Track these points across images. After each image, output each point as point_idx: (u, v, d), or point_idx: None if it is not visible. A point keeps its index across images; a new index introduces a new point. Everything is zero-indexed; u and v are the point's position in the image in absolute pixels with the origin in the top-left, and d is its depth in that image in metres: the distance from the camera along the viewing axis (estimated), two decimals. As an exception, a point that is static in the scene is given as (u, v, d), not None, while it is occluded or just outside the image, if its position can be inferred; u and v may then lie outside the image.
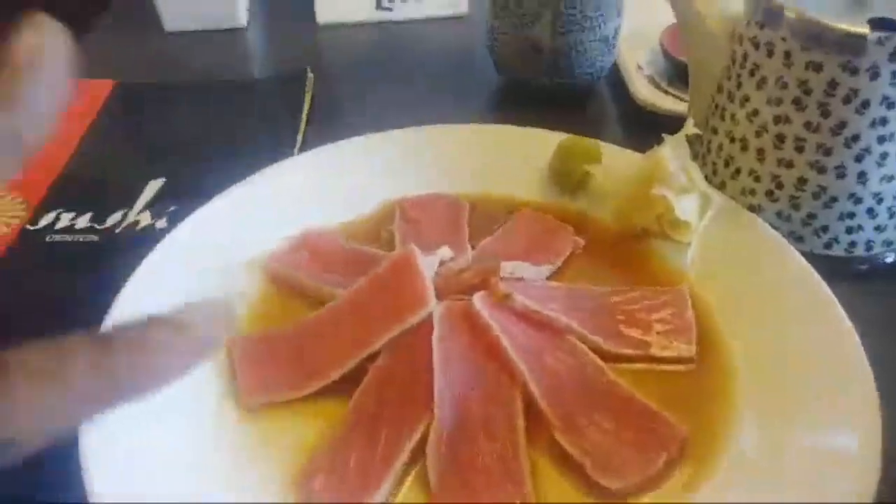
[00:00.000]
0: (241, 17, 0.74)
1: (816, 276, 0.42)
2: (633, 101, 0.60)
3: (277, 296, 0.45)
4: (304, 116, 0.60)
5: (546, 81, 0.61)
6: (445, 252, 0.42)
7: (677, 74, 0.61)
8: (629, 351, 0.40)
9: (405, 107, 0.62)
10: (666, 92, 0.60)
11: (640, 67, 0.63)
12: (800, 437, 0.35)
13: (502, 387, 0.37)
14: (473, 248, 0.46)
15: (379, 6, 0.76)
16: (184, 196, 0.51)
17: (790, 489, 0.33)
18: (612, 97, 0.64)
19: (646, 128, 0.50)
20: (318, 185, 0.50)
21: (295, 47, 0.73)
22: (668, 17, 0.59)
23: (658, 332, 0.41)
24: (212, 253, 0.45)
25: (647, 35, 0.65)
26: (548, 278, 0.45)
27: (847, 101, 0.42)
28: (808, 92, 0.43)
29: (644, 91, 0.60)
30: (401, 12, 0.76)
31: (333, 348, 0.39)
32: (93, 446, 0.33)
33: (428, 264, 0.40)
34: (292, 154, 0.56)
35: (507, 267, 0.41)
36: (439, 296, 0.40)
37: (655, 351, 0.40)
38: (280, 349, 0.40)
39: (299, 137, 0.58)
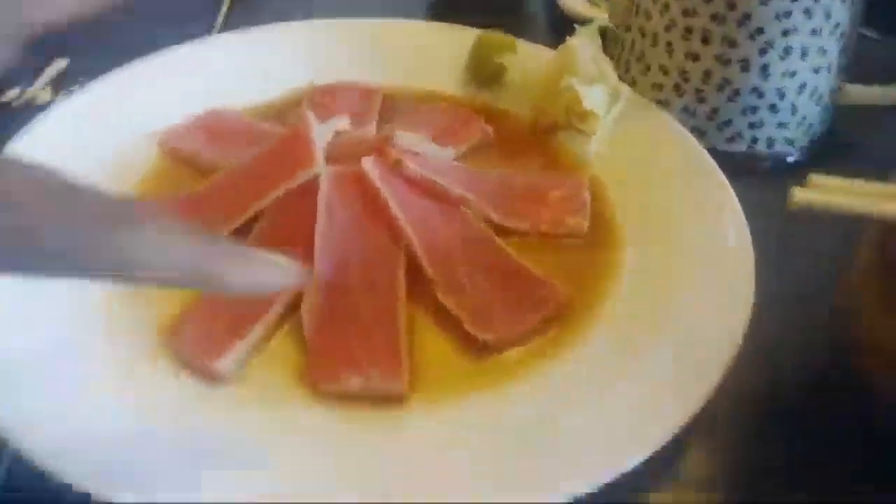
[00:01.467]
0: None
1: (712, 163, 0.42)
2: (560, 10, 0.60)
3: (174, 169, 0.43)
4: (225, 3, 0.59)
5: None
6: (342, 121, 0.42)
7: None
8: (521, 225, 0.40)
9: (329, 8, 0.60)
10: (592, 3, 0.60)
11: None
12: (675, 308, 0.36)
13: (386, 246, 0.37)
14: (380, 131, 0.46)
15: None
16: (89, 75, 0.49)
17: (658, 351, 0.34)
18: (540, 6, 0.63)
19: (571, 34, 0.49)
20: (227, 67, 0.49)
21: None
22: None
23: (552, 210, 0.41)
24: (106, 124, 0.44)
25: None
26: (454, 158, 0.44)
27: (753, -10, 0.42)
28: (714, -18, 0.43)
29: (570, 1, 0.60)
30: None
31: (220, 210, 0.38)
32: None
33: (321, 132, 0.39)
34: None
35: (406, 138, 0.40)
36: (332, 162, 0.39)
37: (547, 226, 0.40)
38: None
39: (219, 21, 0.57)
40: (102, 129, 0.43)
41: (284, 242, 0.36)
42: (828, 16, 0.43)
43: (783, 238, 0.40)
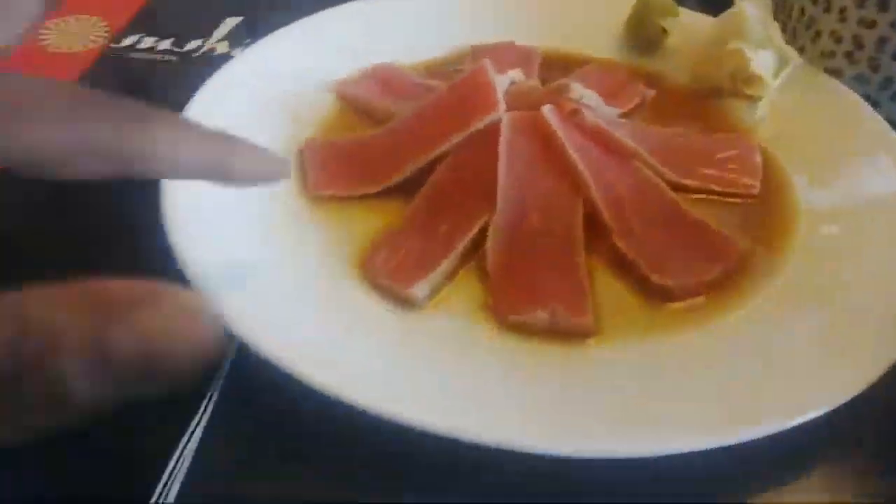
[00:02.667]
0: None
1: (892, 132, 0.41)
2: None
3: (348, 116, 0.45)
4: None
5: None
6: (517, 73, 0.43)
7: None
8: (694, 182, 0.40)
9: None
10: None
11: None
12: (854, 268, 0.35)
13: (564, 193, 0.38)
14: (543, 88, 0.47)
15: None
16: (262, 32, 0.52)
17: (841, 311, 0.33)
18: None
19: (723, 4, 0.49)
20: (392, 26, 0.51)
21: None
22: None
23: (724, 169, 0.41)
24: (281, 75, 0.46)
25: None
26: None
27: (944, -46, 0.41)
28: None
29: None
30: None
31: (400, 152, 0.40)
32: (177, 214, 0.34)
33: (499, 80, 0.40)
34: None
35: (578, 90, 0.41)
36: (509, 110, 0.40)
37: (719, 185, 0.40)
38: (349, 152, 0.41)
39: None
40: (279, 81, 0.45)
41: (466, 185, 0.38)
42: None
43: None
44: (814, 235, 0.37)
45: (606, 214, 0.37)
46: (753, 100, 0.45)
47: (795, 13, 0.48)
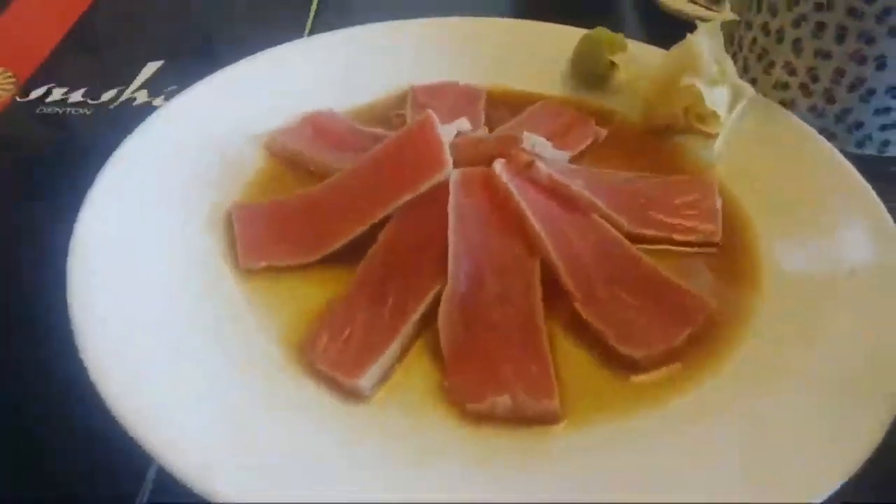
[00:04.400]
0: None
1: (850, 166, 0.39)
2: (658, 9, 0.58)
3: (280, 172, 0.42)
4: (313, 6, 0.57)
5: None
6: (463, 123, 0.40)
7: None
8: (653, 232, 0.38)
9: (422, 11, 0.59)
10: (694, 1, 0.58)
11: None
12: (827, 319, 0.33)
13: (520, 256, 0.35)
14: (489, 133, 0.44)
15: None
16: (184, 77, 0.48)
17: (815, 371, 0.31)
18: (635, 5, 0.61)
19: (669, 35, 0.46)
20: (325, 69, 0.47)
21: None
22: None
23: (683, 216, 0.39)
24: (208, 128, 0.42)
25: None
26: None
27: (895, -17, 0.40)
28: (853, -26, 0.40)
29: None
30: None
31: (339, 216, 0.37)
32: (84, 303, 0.30)
33: (445, 132, 0.38)
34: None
35: (529, 139, 0.38)
36: (456, 165, 0.37)
37: (679, 234, 0.38)
38: (284, 216, 0.38)
39: (308, 24, 0.55)
40: (207, 132, 0.42)
41: (415, 251, 0.35)
42: (974, 9, 0.40)
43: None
44: (780, 286, 0.35)
45: (567, 278, 0.34)
46: (709, 136, 0.44)
47: (748, 44, 0.46)
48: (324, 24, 0.56)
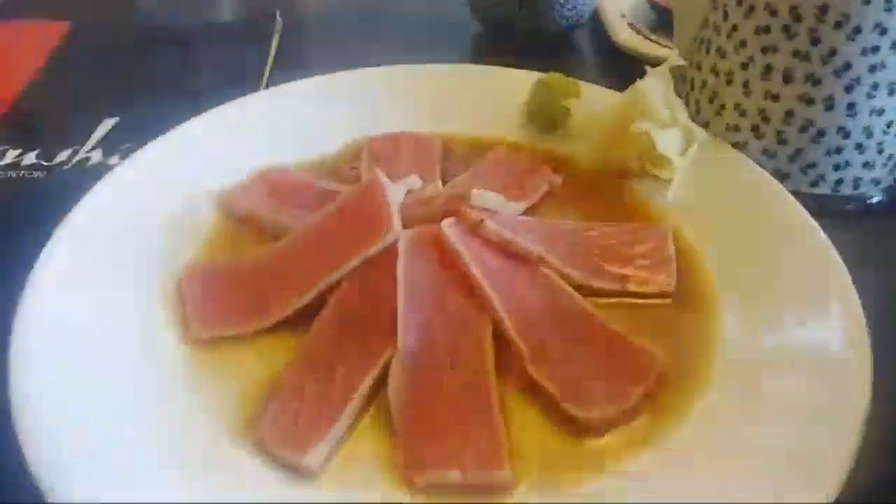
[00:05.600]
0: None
1: (801, 209, 0.40)
2: (614, 48, 0.58)
3: (232, 231, 0.42)
4: (269, 60, 0.57)
5: (525, 27, 0.58)
6: (413, 181, 0.40)
7: (661, 24, 0.59)
8: (606, 285, 0.38)
9: (376, 54, 0.59)
10: (649, 39, 0.58)
11: (623, 16, 0.61)
12: (780, 371, 0.33)
13: (470, 316, 0.35)
14: (444, 184, 0.44)
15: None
16: (139, 135, 0.48)
17: (771, 425, 0.31)
18: (592, 45, 0.62)
19: (626, 74, 0.47)
20: (278, 122, 0.47)
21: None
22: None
23: (637, 267, 0.38)
24: (162, 188, 0.42)
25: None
26: (521, 215, 0.42)
27: (838, 26, 0.40)
28: (798, 18, 0.41)
29: (624, 38, 0.58)
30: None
31: (289, 279, 0.36)
32: (25, 373, 0.30)
33: (395, 193, 0.37)
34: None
35: (479, 196, 0.38)
36: (406, 224, 0.37)
37: (634, 285, 0.38)
38: (232, 282, 0.37)
39: (264, 80, 0.55)
40: (160, 192, 0.42)
41: (364, 316, 0.35)
42: (918, 49, 0.40)
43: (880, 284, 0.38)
44: (734, 337, 0.35)
45: (517, 337, 0.34)
46: (662, 181, 0.44)
47: (698, 86, 0.47)
48: (279, 77, 0.56)
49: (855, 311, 0.34)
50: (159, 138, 0.44)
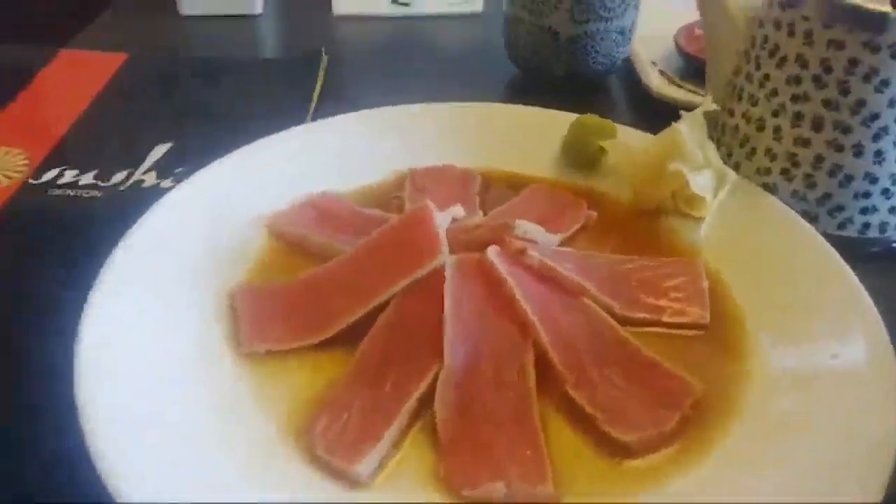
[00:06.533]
0: (257, 5, 0.75)
1: (832, 250, 0.41)
2: (646, 94, 0.60)
3: (283, 253, 0.44)
4: (315, 95, 0.60)
5: (560, 72, 0.61)
6: (458, 210, 0.41)
7: (690, 72, 0.61)
8: (642, 315, 0.39)
9: (416, 93, 0.61)
10: (679, 86, 0.61)
11: (654, 64, 0.63)
12: (814, 401, 0.34)
13: (514, 340, 0.36)
14: (484, 216, 0.46)
15: (394, 0, 0.76)
16: (191, 160, 0.50)
17: (803, 453, 0.32)
18: (624, 91, 0.64)
19: (658, 119, 0.49)
20: (327, 152, 0.49)
21: (309, 36, 0.73)
22: (682, 20, 0.61)
23: (672, 299, 0.40)
24: (215, 211, 0.44)
25: (661, 35, 0.65)
26: (558, 247, 0.44)
27: (867, 79, 0.42)
28: (828, 70, 0.43)
29: (656, 84, 0.61)
30: (417, 7, 0.76)
31: (339, 299, 0.38)
32: (91, 383, 0.32)
33: (441, 219, 0.39)
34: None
35: (521, 226, 0.40)
36: (451, 250, 0.39)
37: (668, 317, 0.39)
38: (285, 299, 0.39)
39: (310, 112, 0.58)
40: (213, 216, 0.44)
41: (411, 334, 0.36)
42: (943, 101, 0.42)
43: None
44: (766, 368, 0.36)
45: (558, 361, 0.35)
46: (695, 219, 0.45)
47: (730, 130, 0.49)
48: (325, 110, 0.58)
49: (883, 340, 0.35)
50: (212, 164, 0.46)
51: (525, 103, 0.59)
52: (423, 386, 0.34)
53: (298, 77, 0.62)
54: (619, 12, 0.58)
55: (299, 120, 0.56)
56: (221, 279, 0.40)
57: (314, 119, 0.57)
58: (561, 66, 0.61)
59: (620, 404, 0.34)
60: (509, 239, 0.39)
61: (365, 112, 0.52)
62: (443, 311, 0.36)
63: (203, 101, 0.59)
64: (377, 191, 0.49)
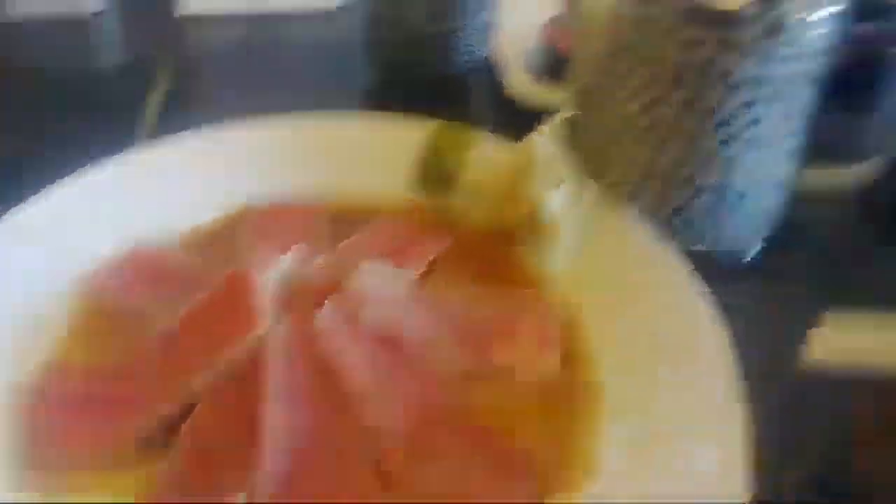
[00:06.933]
0: (92, 3, 0.67)
1: (688, 270, 0.39)
2: (510, 95, 0.57)
3: (95, 322, 0.38)
4: (150, 112, 0.54)
5: (421, 72, 0.57)
6: (291, 258, 0.37)
7: (556, 68, 0.58)
8: (490, 368, 0.36)
9: (268, 103, 0.56)
10: (546, 86, 0.57)
11: (517, 61, 0.60)
12: (664, 457, 0.32)
13: (345, 424, 0.32)
14: (330, 252, 0.42)
15: (244, -3, 0.70)
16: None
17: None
18: (489, 91, 0.60)
19: (526, 122, 0.45)
20: (153, 186, 0.44)
21: (151, 39, 0.66)
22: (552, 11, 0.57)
23: (521, 346, 0.37)
24: (17, 270, 0.39)
25: (525, 31, 0.61)
26: (412, 281, 0.40)
27: (719, 81, 0.39)
28: (683, 72, 0.40)
29: (520, 83, 0.57)
30: (272, 3, 0.70)
31: (147, 392, 0.33)
32: None
33: (267, 279, 0.35)
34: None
35: (363, 271, 0.36)
36: (285, 308, 0.35)
37: (518, 366, 0.36)
38: (82, 394, 0.34)
39: (142, 134, 0.52)
40: (10, 276, 0.38)
41: (227, 432, 0.32)
42: (790, 104, 0.40)
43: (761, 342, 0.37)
44: (615, 415, 0.34)
45: (395, 443, 0.32)
46: (552, 242, 0.42)
47: (589, 138, 0.46)
48: (165, 127, 0.52)
49: (731, 374, 0.34)
50: (11, 211, 0.41)
51: (386, 108, 0.55)
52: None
53: (132, 92, 0.56)
54: (481, 7, 0.54)
55: (131, 142, 0.51)
56: (19, 361, 0.35)
57: (152, 138, 0.51)
58: (423, 65, 0.56)
59: (461, 484, 0.31)
60: (347, 293, 0.35)
61: (189, 134, 0.47)
62: (262, 398, 0.32)
63: (16, 124, 0.52)
64: (211, 231, 0.44)
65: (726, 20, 0.38)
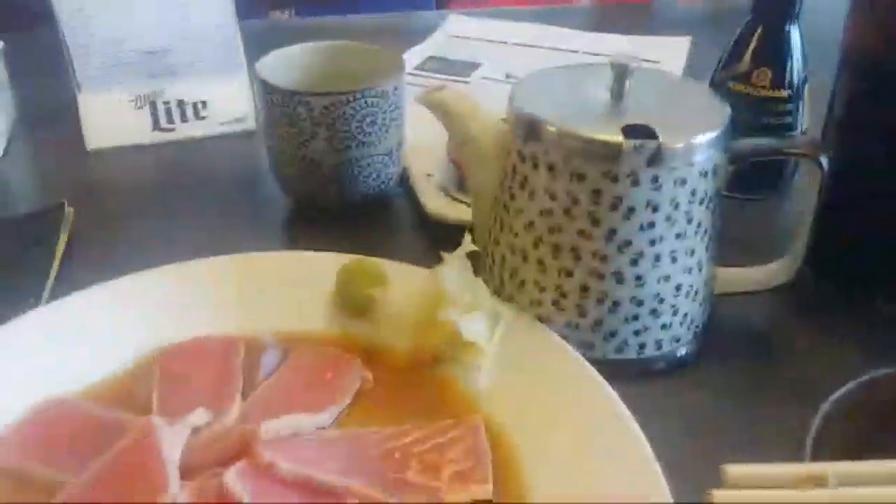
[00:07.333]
0: (-7, 145, 0.66)
1: (601, 382, 0.40)
2: (425, 212, 0.58)
3: (3, 489, 0.36)
4: (56, 262, 0.52)
5: (331, 200, 0.58)
6: (199, 416, 0.36)
7: (465, 184, 0.60)
8: (419, 500, 0.36)
9: (182, 237, 0.56)
10: (456, 199, 0.59)
11: (429, 176, 0.62)
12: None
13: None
14: (248, 396, 0.41)
15: (157, 127, 0.70)
16: None
17: None
18: (405, 208, 0.61)
19: (440, 238, 0.48)
20: (60, 342, 0.43)
21: (58, 178, 0.65)
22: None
23: (450, 475, 0.37)
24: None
25: (435, 144, 0.63)
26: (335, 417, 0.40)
27: (614, 207, 0.42)
28: (576, 201, 0.42)
29: (433, 201, 0.59)
30: (182, 132, 0.70)
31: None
32: None
33: (175, 439, 0.34)
34: (38, 307, 0.47)
35: (274, 425, 0.36)
36: (193, 471, 0.34)
37: (448, 498, 0.36)
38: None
39: (48, 286, 0.50)
40: None
41: None
42: (689, 220, 0.43)
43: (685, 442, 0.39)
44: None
45: None
46: (473, 366, 0.43)
47: (498, 261, 0.47)
48: (71, 276, 0.51)
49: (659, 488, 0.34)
50: None
51: (302, 234, 0.56)
52: None
53: (37, 240, 0.54)
54: (381, 134, 0.56)
55: (37, 294, 0.49)
56: None
57: (57, 289, 0.50)
58: (330, 194, 0.57)
59: None
60: (257, 450, 0.35)
61: (103, 286, 0.46)
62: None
63: None
64: (123, 382, 0.43)
65: (607, 153, 0.41)
